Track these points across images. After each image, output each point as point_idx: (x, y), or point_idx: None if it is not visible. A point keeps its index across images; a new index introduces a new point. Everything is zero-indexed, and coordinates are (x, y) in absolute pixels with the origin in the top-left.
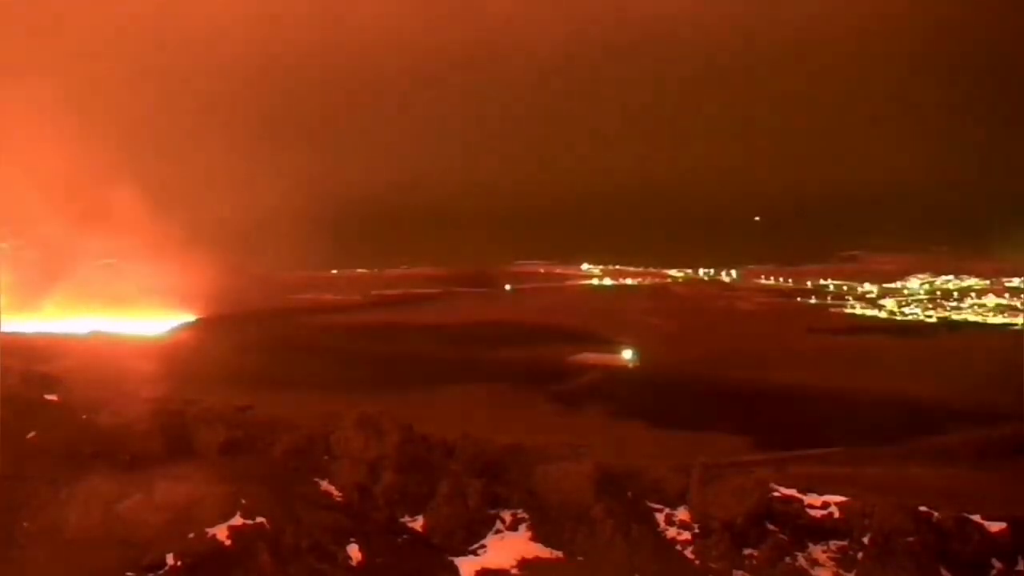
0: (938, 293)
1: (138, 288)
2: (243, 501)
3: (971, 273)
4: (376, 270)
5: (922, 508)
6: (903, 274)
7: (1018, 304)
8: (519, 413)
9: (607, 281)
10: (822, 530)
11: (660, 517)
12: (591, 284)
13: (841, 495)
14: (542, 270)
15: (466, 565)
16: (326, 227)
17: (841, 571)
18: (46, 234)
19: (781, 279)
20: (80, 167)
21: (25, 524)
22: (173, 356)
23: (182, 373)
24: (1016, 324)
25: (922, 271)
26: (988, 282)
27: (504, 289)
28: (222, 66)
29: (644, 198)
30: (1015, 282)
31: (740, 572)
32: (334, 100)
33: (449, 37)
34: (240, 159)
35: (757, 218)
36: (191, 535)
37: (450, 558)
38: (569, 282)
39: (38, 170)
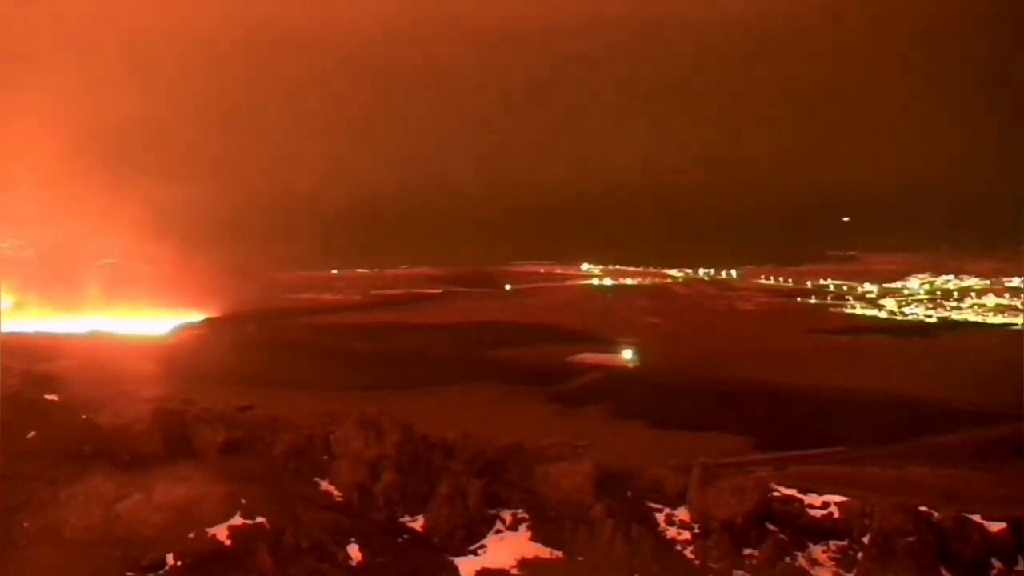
0: (938, 293)
1: (138, 288)
2: (243, 501)
3: (971, 273)
4: (376, 270)
5: (922, 508)
6: (903, 274)
7: (1018, 304)
8: (519, 413)
9: (607, 281)
10: (822, 530)
11: (660, 517)
12: (591, 284)
13: (841, 495)
14: (542, 270)
15: (466, 565)
16: (326, 227)
17: (841, 571)
18: (46, 234)
19: (781, 279)
20: (80, 168)
21: (25, 524)
22: (173, 356)
23: (182, 373)
24: (1016, 324)
25: (922, 271)
26: (988, 282)
27: (504, 289)
28: (222, 67)
29: (644, 198)
30: (1015, 282)
31: (740, 572)
32: (334, 101)
33: (448, 39)
34: (240, 160)
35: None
36: (191, 535)
37: (450, 558)
38: (569, 282)
39: (39, 171)
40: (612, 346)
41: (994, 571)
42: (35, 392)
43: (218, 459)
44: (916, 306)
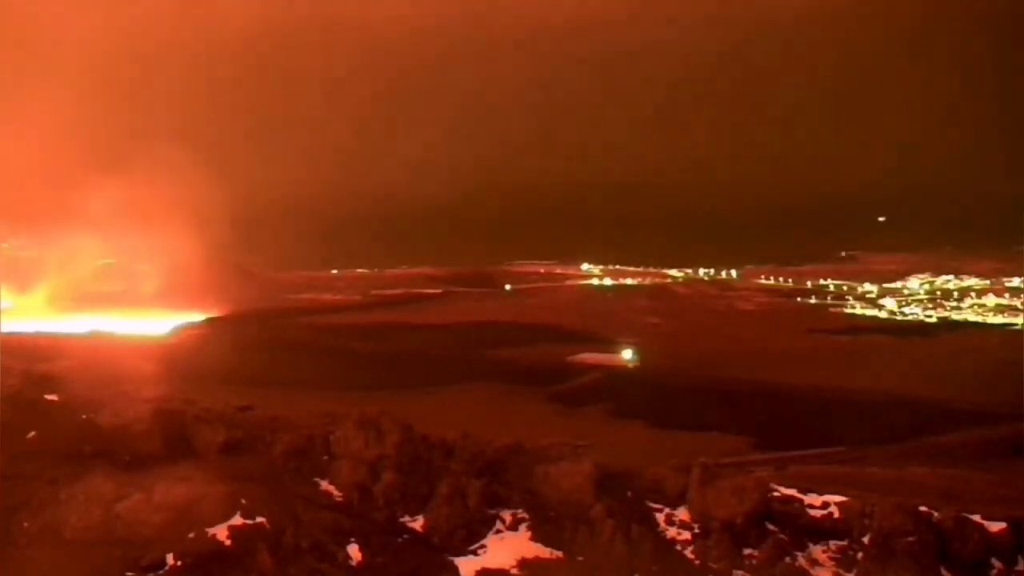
0: (938, 293)
1: (138, 288)
2: (243, 501)
3: (971, 273)
4: (376, 270)
5: (922, 508)
6: (903, 274)
7: (1018, 304)
8: (519, 413)
9: (607, 281)
10: (822, 530)
11: (660, 517)
12: (591, 284)
13: (841, 495)
14: (542, 270)
15: (466, 565)
16: (326, 227)
17: (841, 571)
18: (46, 234)
19: (781, 279)
20: (81, 167)
21: (25, 524)
22: (173, 356)
23: (182, 373)
24: (1016, 324)
25: (922, 271)
26: (988, 282)
27: (504, 289)
28: (222, 67)
29: (644, 198)
30: (1015, 282)
31: (740, 572)
32: (334, 100)
33: (448, 40)
34: (240, 161)
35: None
36: (191, 535)
37: (450, 558)
38: (569, 282)
39: (40, 171)
40: (612, 346)
41: (994, 571)
42: (35, 392)
43: (218, 459)
44: (916, 306)
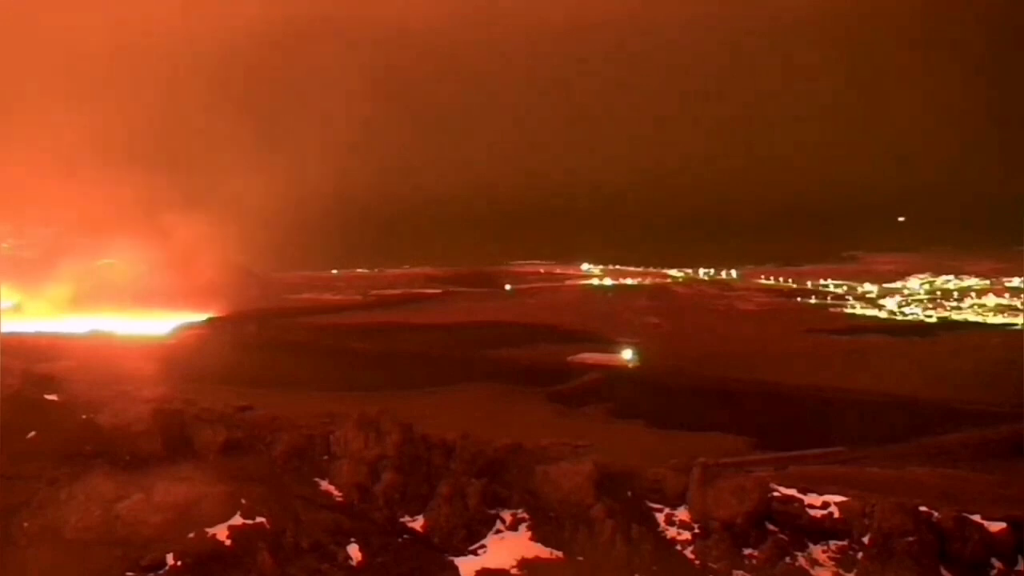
0: (938, 293)
1: (138, 288)
2: (243, 501)
3: (971, 273)
4: (376, 270)
5: (922, 508)
6: (903, 274)
7: (1018, 304)
8: (519, 413)
9: (607, 281)
10: (822, 530)
11: (660, 517)
12: (591, 284)
13: (841, 495)
14: (542, 270)
15: (466, 565)
16: (326, 227)
17: (841, 571)
18: (46, 234)
19: (781, 279)
20: (81, 168)
21: (25, 524)
22: (173, 356)
23: (182, 373)
24: (1016, 324)
25: (922, 271)
26: (988, 282)
27: (504, 289)
28: (223, 67)
29: (645, 198)
30: (1015, 282)
31: (740, 572)
32: (334, 100)
33: (449, 40)
34: (240, 159)
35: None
36: (191, 535)
37: (450, 558)
38: (569, 282)
39: (41, 171)
40: (612, 346)
41: (994, 571)
42: (35, 392)
43: (218, 459)
44: (916, 306)
